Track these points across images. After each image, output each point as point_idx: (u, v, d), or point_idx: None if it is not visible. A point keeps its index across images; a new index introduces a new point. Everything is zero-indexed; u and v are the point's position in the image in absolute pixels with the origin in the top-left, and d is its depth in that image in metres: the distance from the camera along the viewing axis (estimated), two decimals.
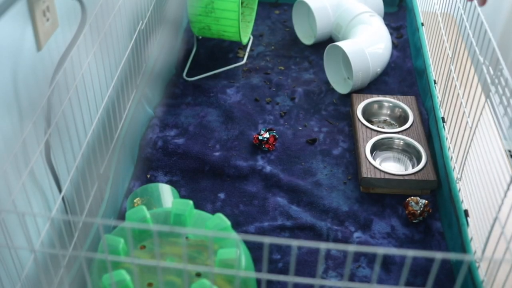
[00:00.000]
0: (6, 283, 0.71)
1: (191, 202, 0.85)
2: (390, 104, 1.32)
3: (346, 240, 1.05)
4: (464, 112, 1.06)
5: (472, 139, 1.00)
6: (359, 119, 1.26)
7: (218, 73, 1.48)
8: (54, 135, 0.80)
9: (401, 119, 1.30)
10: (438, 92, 1.28)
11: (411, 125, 1.25)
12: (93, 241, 0.92)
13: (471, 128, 1.00)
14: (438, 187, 1.13)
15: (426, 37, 1.47)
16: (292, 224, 1.07)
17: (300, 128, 1.30)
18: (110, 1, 1.00)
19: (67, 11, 0.87)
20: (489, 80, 0.90)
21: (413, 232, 1.06)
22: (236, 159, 1.19)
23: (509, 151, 1.05)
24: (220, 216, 0.83)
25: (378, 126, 1.27)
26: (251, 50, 1.58)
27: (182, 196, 1.12)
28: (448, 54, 1.20)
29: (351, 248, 0.49)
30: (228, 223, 0.82)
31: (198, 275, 0.79)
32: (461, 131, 1.05)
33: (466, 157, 1.02)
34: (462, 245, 0.97)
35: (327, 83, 1.44)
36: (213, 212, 1.09)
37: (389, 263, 1.00)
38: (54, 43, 0.83)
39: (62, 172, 0.85)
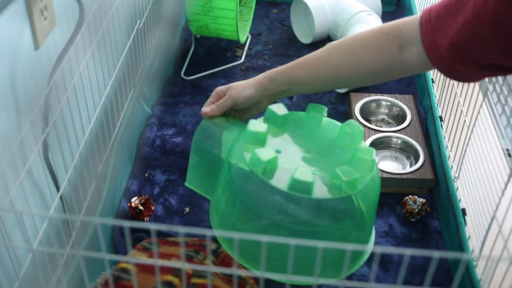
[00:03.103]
0: (4, 282, 0.71)
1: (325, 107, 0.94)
2: (388, 103, 1.32)
3: None
4: (461, 111, 1.06)
5: (469, 138, 1.00)
6: (357, 118, 1.26)
7: (216, 72, 1.48)
8: (52, 134, 0.80)
9: (399, 118, 1.30)
10: (435, 91, 1.28)
11: (409, 124, 1.25)
12: (91, 240, 0.92)
13: (468, 127, 1.00)
14: (436, 186, 1.13)
15: None
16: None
17: None
18: (108, 0, 1.00)
19: (65, 10, 0.86)
20: (486, 79, 0.90)
21: (411, 230, 1.07)
22: None
23: (507, 150, 1.05)
24: (352, 122, 0.90)
25: (376, 125, 1.27)
26: (249, 49, 1.58)
27: (180, 196, 1.12)
28: None
29: (349, 246, 0.49)
30: (361, 128, 0.90)
31: None
32: (459, 130, 1.05)
33: (463, 156, 1.02)
34: (459, 244, 0.97)
35: None
36: None
37: (387, 262, 1.00)
38: (52, 42, 0.83)
39: (60, 171, 0.85)
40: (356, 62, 0.89)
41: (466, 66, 0.76)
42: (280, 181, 0.81)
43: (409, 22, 0.85)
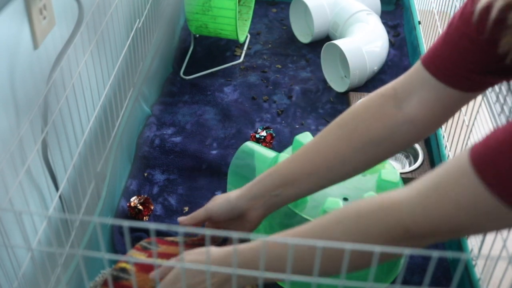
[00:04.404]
0: (3, 281, 0.71)
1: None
2: None
3: None
4: (460, 110, 1.06)
5: (468, 137, 1.00)
6: None
7: (215, 71, 1.48)
8: (51, 134, 0.80)
9: None
10: None
11: None
12: (90, 239, 0.92)
13: (467, 126, 1.00)
14: None
15: (423, 35, 1.47)
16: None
17: (297, 126, 1.30)
18: (107, 0, 1.00)
19: (64, 10, 0.86)
20: None
21: None
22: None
23: None
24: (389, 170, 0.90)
25: None
26: (248, 48, 1.58)
27: (180, 195, 1.12)
28: None
29: (348, 246, 0.49)
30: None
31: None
32: (458, 129, 1.05)
33: None
34: (459, 243, 0.97)
35: (324, 81, 1.44)
36: None
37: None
38: (51, 42, 0.83)
39: (59, 170, 0.85)
40: (351, 134, 0.78)
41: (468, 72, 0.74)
42: (311, 212, 0.87)
43: (402, 78, 0.79)
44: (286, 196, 0.82)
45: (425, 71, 0.74)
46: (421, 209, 0.60)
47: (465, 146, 1.02)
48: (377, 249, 0.47)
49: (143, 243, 0.89)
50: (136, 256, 0.84)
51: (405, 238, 0.61)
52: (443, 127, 1.17)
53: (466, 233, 0.55)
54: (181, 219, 0.87)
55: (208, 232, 0.48)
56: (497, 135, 0.55)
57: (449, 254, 0.48)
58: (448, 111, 0.78)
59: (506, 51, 0.62)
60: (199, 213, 0.86)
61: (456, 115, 1.08)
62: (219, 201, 0.85)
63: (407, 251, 0.49)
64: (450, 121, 1.11)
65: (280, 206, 0.84)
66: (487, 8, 0.64)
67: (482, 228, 0.57)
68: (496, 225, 0.56)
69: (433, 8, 1.38)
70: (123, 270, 0.81)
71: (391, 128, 0.77)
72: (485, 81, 0.72)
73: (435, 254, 0.49)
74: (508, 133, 0.54)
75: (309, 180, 0.80)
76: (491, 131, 0.56)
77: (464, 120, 1.02)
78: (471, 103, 1.00)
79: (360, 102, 0.81)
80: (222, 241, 0.89)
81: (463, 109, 1.04)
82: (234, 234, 0.48)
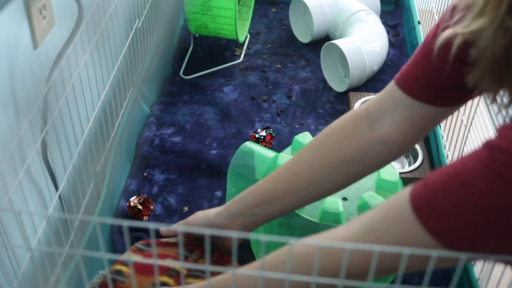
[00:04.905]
0: (3, 281, 0.71)
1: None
2: None
3: None
4: (459, 110, 1.06)
5: (467, 137, 1.00)
6: None
7: (215, 71, 1.48)
8: (50, 133, 0.80)
9: None
10: None
11: None
12: (89, 239, 0.92)
13: (466, 126, 1.00)
14: None
15: (423, 35, 1.47)
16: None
17: (297, 126, 1.30)
18: (107, 0, 1.00)
19: (64, 9, 0.86)
20: None
21: None
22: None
23: None
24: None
25: None
26: (248, 48, 1.58)
27: (179, 195, 1.12)
28: None
29: (348, 246, 0.49)
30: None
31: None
32: (456, 129, 1.06)
33: (461, 155, 1.02)
34: None
35: (324, 81, 1.45)
36: None
37: None
38: (51, 41, 0.83)
39: (58, 170, 0.85)
40: (326, 154, 0.80)
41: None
42: (311, 211, 0.88)
43: (376, 98, 0.79)
44: (264, 215, 0.83)
45: (398, 90, 0.75)
46: (359, 251, 0.59)
47: (463, 145, 1.02)
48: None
49: (139, 245, 0.89)
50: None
51: (345, 278, 0.60)
52: (442, 127, 1.17)
53: (405, 271, 0.55)
54: (162, 229, 0.89)
55: (207, 232, 0.48)
56: (435, 178, 0.55)
57: (448, 254, 0.48)
58: (422, 130, 0.78)
59: (473, 86, 0.63)
60: (178, 225, 0.89)
61: (455, 115, 1.08)
62: (199, 217, 0.87)
63: (406, 251, 0.49)
64: (449, 121, 1.11)
65: (259, 225, 0.85)
66: (446, 45, 0.65)
67: (421, 267, 0.57)
68: (435, 264, 0.55)
69: (432, 8, 1.38)
70: (119, 272, 0.81)
71: (364, 148, 0.78)
72: (462, 95, 0.72)
73: (435, 253, 0.49)
74: (445, 177, 0.54)
75: (286, 200, 0.82)
76: (432, 172, 0.56)
77: (462, 120, 1.02)
78: (469, 103, 1.00)
79: (335, 122, 0.82)
80: (213, 249, 0.89)
81: (461, 109, 1.04)
82: (234, 234, 0.48)
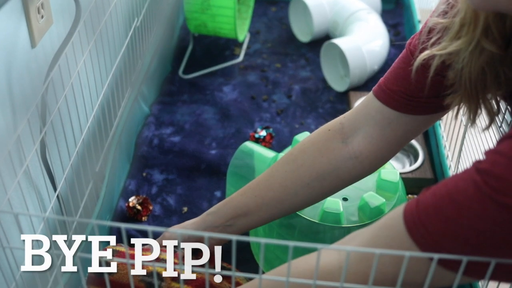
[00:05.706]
0: (2, 282, 0.71)
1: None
2: None
3: None
4: (459, 110, 1.05)
5: (464, 137, 1.00)
6: None
7: (214, 70, 1.47)
8: (49, 133, 0.80)
9: None
10: None
11: None
12: (88, 240, 0.92)
13: (465, 126, 1.00)
14: None
15: None
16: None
17: (297, 126, 1.30)
18: None
19: (62, 8, 0.86)
20: None
21: None
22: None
23: None
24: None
25: None
26: (247, 47, 1.57)
27: (178, 195, 1.12)
28: None
29: (349, 248, 0.49)
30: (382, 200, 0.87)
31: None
32: (456, 129, 1.05)
33: (460, 155, 1.02)
34: None
35: (324, 80, 1.44)
36: None
37: None
38: (49, 40, 0.83)
39: (57, 170, 0.85)
40: (299, 169, 0.79)
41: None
42: (310, 212, 0.88)
43: (351, 111, 0.80)
44: (239, 227, 0.84)
45: (377, 101, 0.75)
46: (353, 273, 0.58)
47: (461, 145, 1.01)
48: None
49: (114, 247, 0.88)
50: (119, 249, 0.83)
51: None
52: (442, 127, 1.16)
53: None
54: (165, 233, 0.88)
55: (206, 234, 0.48)
56: (426, 198, 0.54)
57: (449, 256, 0.48)
58: (398, 143, 0.78)
59: (450, 104, 0.65)
60: (158, 240, 0.88)
61: (455, 115, 1.08)
62: (176, 228, 0.87)
63: (407, 253, 0.48)
64: (449, 121, 1.11)
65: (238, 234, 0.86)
66: (424, 67, 0.66)
67: (417, 285, 0.56)
68: (431, 282, 0.54)
69: (433, 6, 1.38)
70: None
71: (336, 163, 0.79)
72: (442, 104, 0.72)
73: (435, 256, 0.48)
74: (438, 197, 0.53)
75: (260, 213, 0.82)
76: (423, 191, 0.55)
77: (461, 120, 1.02)
78: None
79: (309, 136, 0.83)
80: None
81: (461, 109, 1.04)
82: (234, 237, 0.47)
